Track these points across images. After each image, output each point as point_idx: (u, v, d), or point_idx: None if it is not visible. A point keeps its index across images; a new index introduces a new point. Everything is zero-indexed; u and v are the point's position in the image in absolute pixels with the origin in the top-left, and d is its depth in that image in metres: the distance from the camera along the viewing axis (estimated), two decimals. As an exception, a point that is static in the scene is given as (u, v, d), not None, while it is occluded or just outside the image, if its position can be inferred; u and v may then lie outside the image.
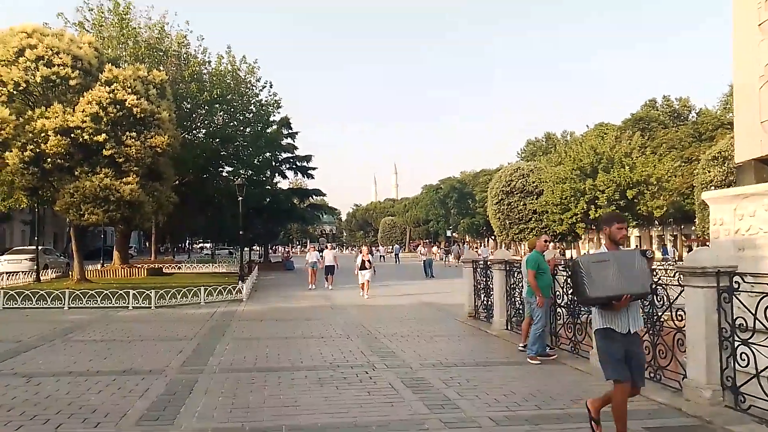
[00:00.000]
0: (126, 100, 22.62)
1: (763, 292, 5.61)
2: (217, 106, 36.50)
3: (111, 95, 22.45)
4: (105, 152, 22.23)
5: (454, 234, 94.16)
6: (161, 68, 30.39)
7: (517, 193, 58.03)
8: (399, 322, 13.68)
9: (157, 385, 7.47)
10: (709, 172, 39.40)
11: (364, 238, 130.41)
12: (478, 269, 13.78)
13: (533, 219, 56.57)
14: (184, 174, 34.89)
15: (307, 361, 9.10)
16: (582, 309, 9.25)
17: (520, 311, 11.68)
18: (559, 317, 9.92)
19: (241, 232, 26.66)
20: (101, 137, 21.88)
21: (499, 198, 58.94)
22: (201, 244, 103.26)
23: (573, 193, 49.69)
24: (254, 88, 39.54)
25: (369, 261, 20.44)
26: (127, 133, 22.74)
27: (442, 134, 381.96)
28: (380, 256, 63.37)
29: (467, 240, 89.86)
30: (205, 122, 38.10)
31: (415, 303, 18.50)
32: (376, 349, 10.14)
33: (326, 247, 27.72)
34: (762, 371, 5.54)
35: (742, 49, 9.92)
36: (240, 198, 25.46)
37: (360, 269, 20.21)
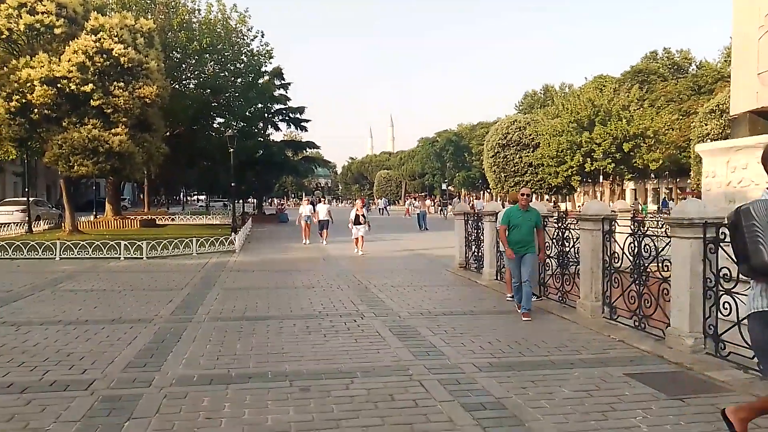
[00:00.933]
0: (113, 49, 22.06)
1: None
2: (207, 55, 35.71)
3: (97, 44, 21.87)
4: (93, 103, 21.80)
5: (450, 187, 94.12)
6: (149, 17, 29.64)
7: (513, 146, 57.65)
8: (390, 273, 13.74)
9: (146, 334, 7.51)
10: (707, 125, 39.16)
11: (360, 191, 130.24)
12: (470, 221, 13.78)
13: (529, 172, 56.44)
14: (175, 125, 34.42)
15: (296, 311, 9.16)
16: (570, 260, 9.29)
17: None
18: (548, 267, 9.96)
19: (233, 184, 26.48)
20: (88, 87, 21.41)
21: (495, 151, 58.58)
22: (196, 196, 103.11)
23: (569, 146, 49.46)
24: (245, 37, 38.67)
25: (363, 215, 19.15)
26: (115, 83, 22.25)
27: (440, 86, 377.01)
28: (379, 209, 63.10)
29: (466, 194, 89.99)
30: (195, 72, 37.35)
31: (407, 255, 18.58)
32: (365, 298, 10.20)
33: (320, 201, 26.07)
34: (743, 319, 5.56)
35: (743, -2, 9.63)
36: (231, 150, 25.19)
37: (354, 224, 18.90)
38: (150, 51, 24.45)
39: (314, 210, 23.70)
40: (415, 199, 58.36)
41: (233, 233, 21.17)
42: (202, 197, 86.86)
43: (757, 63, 9.36)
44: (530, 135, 56.77)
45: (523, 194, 9.23)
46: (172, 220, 38.98)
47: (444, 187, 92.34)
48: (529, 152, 56.35)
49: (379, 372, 5.79)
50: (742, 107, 9.78)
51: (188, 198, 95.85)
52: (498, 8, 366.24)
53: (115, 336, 7.38)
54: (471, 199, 66.95)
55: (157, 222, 35.20)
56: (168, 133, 31.76)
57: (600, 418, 4.51)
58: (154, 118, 25.38)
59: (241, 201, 47.08)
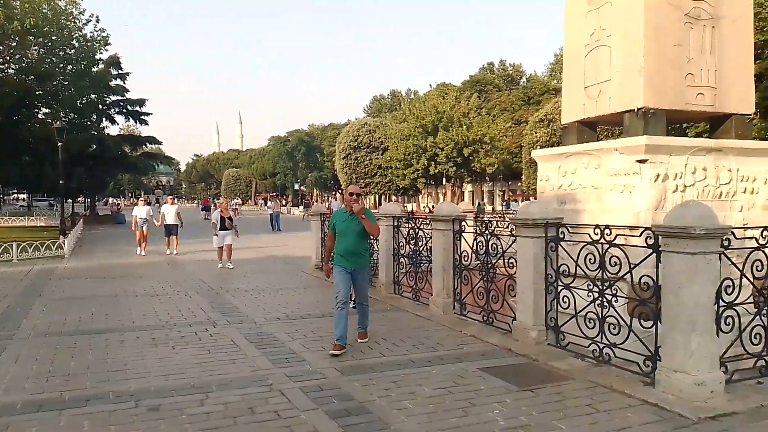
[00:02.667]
0: None
1: (582, 241, 6.14)
2: (31, 38, 31.80)
3: None
4: None
5: (302, 188, 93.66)
6: (-45, -12, 25.75)
7: (363, 149, 58.95)
8: (243, 277, 13.23)
9: (-47, 356, 6.43)
10: (536, 133, 43.00)
11: (206, 190, 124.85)
12: (325, 222, 13.72)
13: (378, 174, 58.05)
14: (-9, 115, 30.28)
15: (140, 321, 8.42)
16: (423, 258, 9.61)
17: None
18: (402, 267, 10.22)
19: (61, 182, 23.84)
20: None
21: (347, 152, 59.51)
22: (16, 195, 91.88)
23: (415, 149, 51.64)
24: (77, 21, 35.13)
25: (230, 219, 15.64)
26: None
27: (289, 85, 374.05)
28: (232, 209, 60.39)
29: (318, 194, 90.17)
30: (16, 56, 33.09)
31: (261, 257, 18.06)
32: (217, 305, 9.68)
33: (166, 201, 20.46)
34: (580, 312, 6.10)
35: (573, 19, 10.63)
36: (60, 143, 22.67)
37: (219, 229, 15.21)
38: (-43, 28, 21.23)
39: (156, 212, 20.51)
40: (266, 200, 57.25)
41: (62, 236, 19.09)
42: (23, 196, 77.68)
43: (584, 78, 10.38)
44: (380, 138, 58.49)
45: (351, 193, 7.12)
46: (-14, 221, 34.29)
47: (296, 187, 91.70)
48: (378, 155, 57.97)
49: (236, 384, 5.47)
50: (571, 117, 10.78)
51: (6, 197, 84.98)
52: (348, 12, 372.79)
53: None
54: (329, 199, 67.18)
55: (-33, 224, 30.75)
56: (-19, 124, 27.88)
57: (461, 415, 4.65)
58: (-38, 105, 22.09)
59: (70, 200, 42.77)
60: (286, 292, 11.03)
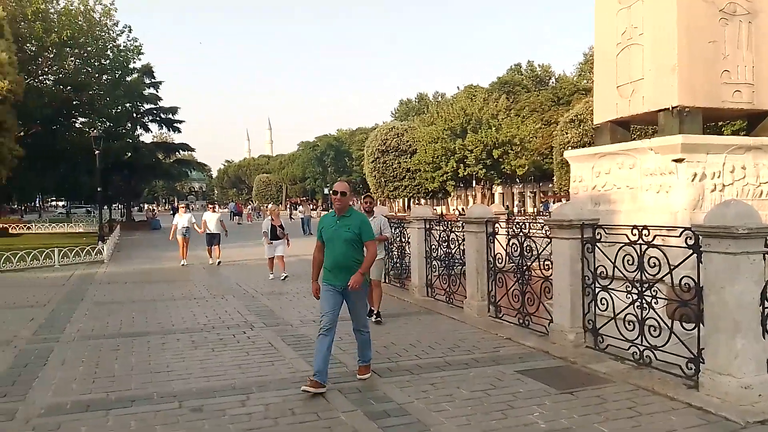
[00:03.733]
0: (-47, 36, 19.61)
1: (618, 242, 6.07)
2: (67, 49, 32.81)
3: (-67, 30, 19.34)
4: (-71, 97, 19.26)
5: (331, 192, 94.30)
6: (-3, 3, 26.66)
7: (392, 152, 59.09)
8: (277, 280, 13.38)
9: (4, 358, 6.68)
10: (567, 133, 42.48)
11: (238, 195, 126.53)
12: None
13: (407, 177, 58.13)
14: (31, 125, 31.31)
15: (179, 324, 8.60)
16: (456, 261, 9.61)
17: (396, 265, 11.89)
18: (434, 269, 10.24)
19: (99, 189, 24.50)
20: (-77, 79, 18.87)
21: (375, 156, 59.74)
22: (55, 203, 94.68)
23: (444, 152, 51.52)
24: (111, 31, 36.11)
25: (281, 227, 14.19)
26: (-43, 75, 19.80)
27: (316, 90, 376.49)
28: (231, 213, 52.62)
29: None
30: (54, 67, 34.20)
31: (293, 260, 18.19)
32: (253, 308, 9.82)
33: (208, 208, 18.64)
34: (618, 314, 6.03)
35: (603, 18, 10.53)
36: (97, 152, 23.31)
37: (270, 239, 13.88)
38: (-1, 41, 22.04)
39: (198, 219, 18.21)
40: (296, 204, 57.76)
41: (101, 242, 19.60)
42: (61, 203, 79.92)
43: (616, 77, 10.26)
44: (408, 141, 58.55)
45: (335, 191, 5.77)
46: (28, 228, 35.43)
47: (326, 191, 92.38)
48: (407, 158, 58.05)
49: (275, 385, 5.56)
50: (604, 117, 10.66)
51: (45, 204, 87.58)
52: (370, 15, 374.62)
53: (-35, 363, 6.48)
54: (357, 203, 67.54)
55: (10, 231, 31.82)
56: (22, 134, 28.83)
57: (500, 417, 4.64)
58: (5, 116, 22.88)
59: (107, 207, 43.92)
60: (319, 296, 11.10)
